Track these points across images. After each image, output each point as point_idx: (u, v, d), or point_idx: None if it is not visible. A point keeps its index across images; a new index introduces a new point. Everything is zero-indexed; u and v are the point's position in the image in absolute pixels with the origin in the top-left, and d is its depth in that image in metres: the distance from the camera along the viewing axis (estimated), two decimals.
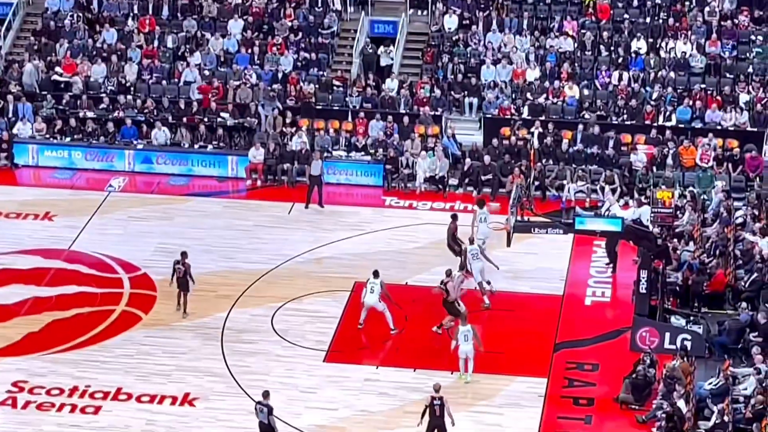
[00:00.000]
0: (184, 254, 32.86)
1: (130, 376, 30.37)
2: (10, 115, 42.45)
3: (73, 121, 42.03)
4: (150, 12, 45.87)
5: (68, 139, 41.91)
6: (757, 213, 36.05)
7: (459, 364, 30.08)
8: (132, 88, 43.56)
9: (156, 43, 45.01)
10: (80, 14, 45.91)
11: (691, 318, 32.17)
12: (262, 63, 44.11)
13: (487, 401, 29.66)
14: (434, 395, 27.23)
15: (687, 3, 44.51)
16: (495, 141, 40.76)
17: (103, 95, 43.07)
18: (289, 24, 45.11)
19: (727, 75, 42.68)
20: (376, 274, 31.98)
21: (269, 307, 33.12)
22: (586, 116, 41.45)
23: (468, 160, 40.35)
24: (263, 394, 27.19)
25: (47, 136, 42.01)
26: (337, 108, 42.71)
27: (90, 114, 42.33)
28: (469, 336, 29.84)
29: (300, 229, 37.35)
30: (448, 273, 31.75)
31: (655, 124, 41.01)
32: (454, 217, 35.12)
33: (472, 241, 33.28)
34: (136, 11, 45.88)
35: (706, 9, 44.27)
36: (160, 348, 31.61)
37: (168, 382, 29.92)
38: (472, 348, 29.91)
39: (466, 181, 39.88)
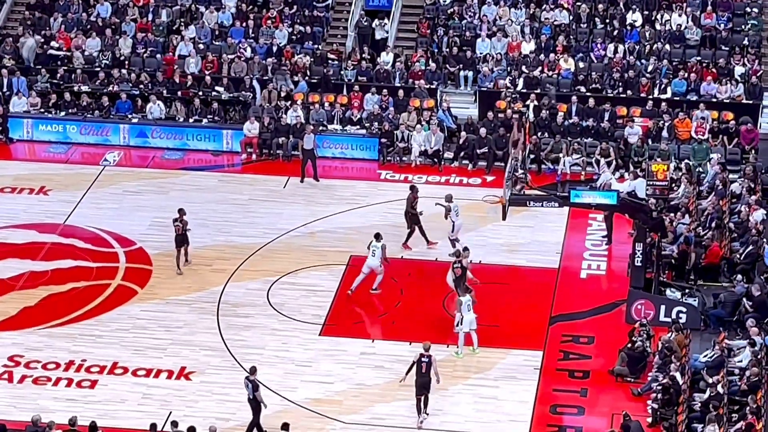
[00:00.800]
0: (181, 211, 33.37)
1: (126, 350, 30.45)
2: (5, 89, 42.39)
3: (67, 95, 41.99)
4: None
5: (63, 113, 41.85)
6: (752, 185, 36.09)
7: (459, 338, 30.27)
8: (126, 62, 43.49)
9: (150, 16, 44.95)
10: None
11: (687, 290, 32.23)
12: (256, 36, 44.05)
13: (482, 374, 29.79)
14: (423, 353, 27.58)
15: None
16: (490, 114, 40.75)
17: (98, 69, 43.00)
18: None
19: (723, 47, 42.67)
20: (378, 236, 32.17)
21: (265, 281, 33.18)
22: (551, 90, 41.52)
23: (463, 133, 40.33)
24: (250, 370, 27.30)
25: (42, 110, 41.98)
26: (333, 81, 42.61)
27: (85, 88, 42.29)
28: (471, 305, 29.98)
29: (295, 203, 37.40)
30: (465, 249, 31.99)
31: (651, 97, 41.00)
32: (413, 189, 35.25)
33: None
34: None
35: None
36: (156, 322, 31.67)
37: (164, 356, 29.99)
38: (474, 318, 30.10)
39: (462, 154, 39.86)
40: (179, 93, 41.99)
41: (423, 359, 27.41)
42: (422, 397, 27.61)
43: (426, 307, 31.78)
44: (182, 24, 44.52)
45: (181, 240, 33.42)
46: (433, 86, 42.11)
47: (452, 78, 42.74)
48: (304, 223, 36.09)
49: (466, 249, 32.17)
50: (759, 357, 28.49)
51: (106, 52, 43.67)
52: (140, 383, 29.34)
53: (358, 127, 40.97)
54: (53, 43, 44.04)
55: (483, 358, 30.24)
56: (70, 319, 31.75)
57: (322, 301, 32.44)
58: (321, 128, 40.57)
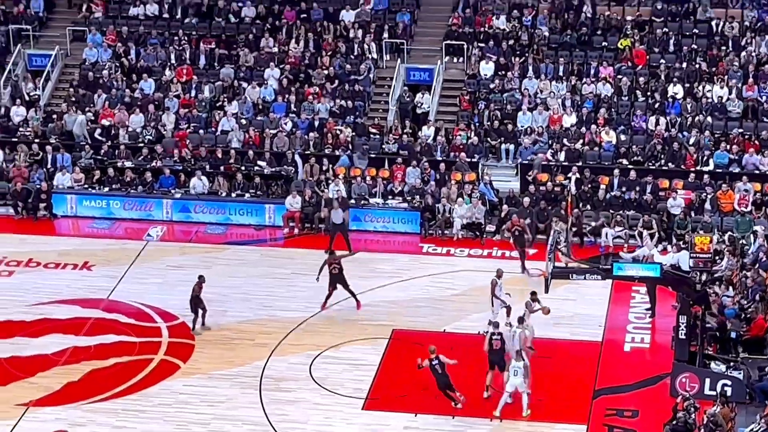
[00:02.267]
0: (201, 278, 33.67)
1: (169, 425, 30.31)
2: (49, 165, 42.66)
3: (111, 171, 42.26)
4: (187, 61, 46.08)
5: (106, 189, 42.11)
6: None
7: (500, 399, 30.16)
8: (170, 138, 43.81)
9: (193, 92, 45.24)
10: (118, 65, 46.20)
11: (731, 363, 32.01)
12: (298, 111, 44.27)
13: None
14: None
15: (723, 48, 44.46)
16: (532, 187, 40.77)
17: (141, 145, 43.27)
18: (326, 72, 45.28)
19: (765, 119, 42.59)
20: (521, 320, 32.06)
21: (307, 355, 33.01)
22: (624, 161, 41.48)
23: (505, 206, 40.34)
24: None
25: (86, 186, 42.22)
26: (374, 155, 42.76)
27: (128, 163, 42.55)
28: (520, 372, 29.88)
29: None
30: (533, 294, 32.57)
31: (693, 169, 40.90)
32: (332, 254, 35.51)
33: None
34: (173, 61, 46.10)
35: (743, 54, 44.20)
36: (199, 397, 31.56)
37: (206, 431, 29.89)
38: (522, 382, 29.95)
39: (503, 228, 39.79)
40: (222, 168, 42.16)
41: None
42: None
43: (468, 381, 31.59)
44: (225, 100, 44.76)
45: (195, 303, 33.67)
46: (475, 159, 42.18)
47: (493, 151, 42.84)
48: (345, 297, 36.00)
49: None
50: None
51: (150, 127, 43.91)
52: None
53: (399, 200, 41.04)
54: (103, 122, 44.36)
55: (528, 430, 30.09)
56: (113, 394, 31.63)
57: (364, 374, 32.27)
58: (363, 202, 40.72)
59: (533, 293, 32.81)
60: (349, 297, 35.52)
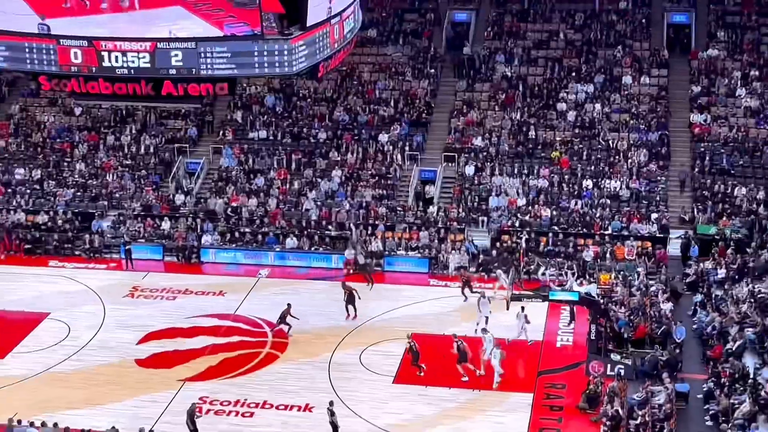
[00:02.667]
0: (289, 305, 33.75)
1: (272, 393, 30.44)
2: (199, 231, 42.89)
3: (237, 234, 42.42)
4: (284, 166, 46.25)
5: (234, 245, 42.22)
6: (664, 287, 35.84)
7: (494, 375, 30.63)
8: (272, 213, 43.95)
9: (287, 185, 45.40)
10: (242, 168, 46.42)
11: (624, 354, 31.88)
12: (352, 196, 44.35)
13: (498, 407, 29.52)
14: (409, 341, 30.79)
15: (617, 157, 44.42)
16: (498, 244, 40.75)
17: (255, 218, 43.44)
18: (370, 172, 45.43)
19: (643, 201, 42.48)
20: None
21: (358, 349, 33.08)
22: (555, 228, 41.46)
23: (482, 255, 40.30)
24: (330, 403, 27.79)
25: (222, 243, 42.35)
26: (399, 224, 42.79)
27: (247, 229, 42.70)
28: (497, 357, 30.64)
29: (375, 300, 37.09)
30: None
31: (598, 233, 40.81)
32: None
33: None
34: (275, 165, 46.27)
35: (629, 161, 44.12)
36: (291, 375, 31.63)
37: (296, 396, 29.94)
38: (497, 364, 30.52)
39: (481, 269, 39.76)
40: (305, 232, 42.25)
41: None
42: None
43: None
44: (307, 189, 44.88)
45: (282, 317, 33.72)
46: (462, 227, 42.10)
47: (475, 221, 42.73)
48: (381, 312, 35.99)
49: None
50: (671, 397, 28.13)
51: (260, 207, 44.10)
52: (281, 414, 29.35)
53: (416, 252, 41.01)
54: (233, 204, 44.58)
55: (494, 399, 29.93)
56: (238, 374, 31.80)
57: (393, 361, 32.24)
58: (392, 252, 40.72)
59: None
60: (385, 312, 35.60)
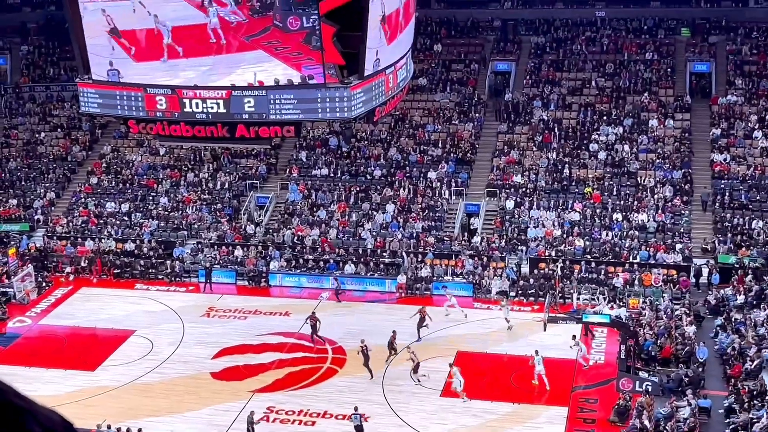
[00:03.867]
0: (362, 341, 32.88)
1: (332, 404, 30.40)
2: (267, 258, 43.10)
3: (301, 261, 42.58)
4: (343, 200, 46.44)
5: (299, 270, 42.34)
6: (688, 311, 35.31)
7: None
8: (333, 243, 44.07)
9: (346, 217, 45.55)
10: (305, 203, 46.63)
11: (651, 372, 31.43)
12: (404, 227, 44.36)
13: (536, 420, 29.16)
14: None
15: (644, 193, 44.04)
16: (536, 270, 40.45)
17: (318, 247, 43.59)
18: (420, 206, 45.45)
19: (668, 233, 41.97)
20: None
21: (408, 365, 32.80)
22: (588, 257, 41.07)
23: (521, 281, 40.02)
24: (354, 408, 27.80)
25: (287, 269, 42.49)
26: (446, 252, 42.64)
27: (310, 257, 42.84)
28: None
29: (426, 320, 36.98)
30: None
31: (627, 261, 40.37)
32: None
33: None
34: (335, 199, 46.41)
35: (655, 196, 43.72)
36: (349, 388, 31.60)
37: (352, 407, 29.86)
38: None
39: (520, 292, 39.48)
40: (362, 259, 42.28)
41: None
42: None
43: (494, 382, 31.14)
44: (364, 221, 45.01)
45: (366, 359, 32.40)
46: (503, 255, 41.88)
47: (514, 250, 42.51)
48: (431, 332, 35.78)
49: None
50: (694, 412, 27.64)
51: (322, 236, 44.22)
52: (340, 423, 29.27)
53: (461, 278, 40.83)
54: (298, 233, 44.79)
55: (533, 412, 29.60)
56: (301, 386, 31.85)
57: (440, 376, 31.90)
58: (440, 278, 40.58)
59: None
60: (433, 332, 35.36)
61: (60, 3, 35.41)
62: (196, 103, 27.17)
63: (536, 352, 31.48)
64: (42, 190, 48.97)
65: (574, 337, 32.73)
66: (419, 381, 31.18)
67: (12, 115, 54.21)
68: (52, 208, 48.26)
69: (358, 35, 26.04)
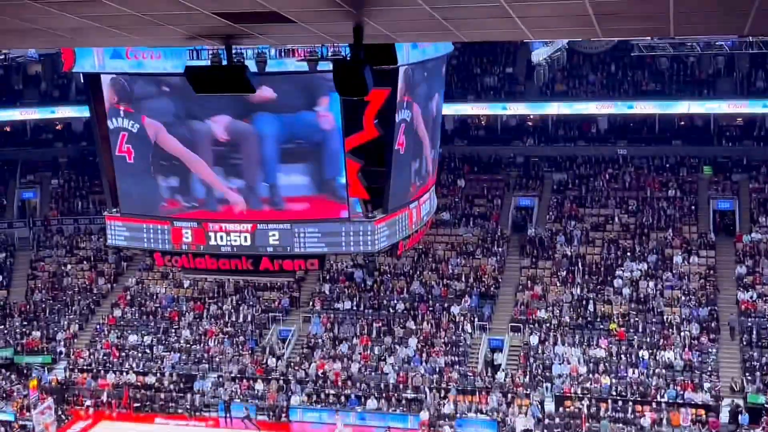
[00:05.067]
0: None
1: None
2: (289, 392, 42.65)
3: (323, 395, 42.12)
4: (365, 334, 46.05)
5: (320, 405, 41.81)
6: None
7: None
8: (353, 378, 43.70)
9: (368, 351, 45.13)
10: (329, 334, 46.38)
11: None
12: (427, 362, 43.93)
13: None
14: None
15: (670, 329, 43.61)
16: (561, 408, 39.74)
17: (340, 381, 43.09)
18: (443, 340, 45.09)
19: (696, 371, 41.31)
20: None
21: None
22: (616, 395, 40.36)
23: (546, 419, 39.29)
24: None
25: (308, 404, 41.98)
26: (470, 388, 42.04)
27: (332, 391, 42.39)
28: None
29: None
30: None
31: (655, 400, 39.66)
32: None
33: None
34: (357, 332, 46.11)
35: (682, 333, 43.26)
36: None
37: None
38: None
39: (545, 431, 38.70)
40: (384, 395, 41.78)
41: None
42: None
43: None
44: (386, 355, 44.57)
45: None
46: (527, 392, 41.25)
47: (537, 386, 41.87)
48: None
49: None
50: None
51: (347, 376, 43.83)
52: None
53: (485, 414, 40.12)
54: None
55: None
56: None
57: None
58: (463, 414, 39.92)
59: None
60: None
61: (92, 138, 36.54)
62: (221, 236, 27.63)
63: None
64: (66, 322, 49.21)
65: None
66: None
67: (39, 248, 55.02)
68: (75, 340, 48.34)
69: (383, 170, 26.59)
